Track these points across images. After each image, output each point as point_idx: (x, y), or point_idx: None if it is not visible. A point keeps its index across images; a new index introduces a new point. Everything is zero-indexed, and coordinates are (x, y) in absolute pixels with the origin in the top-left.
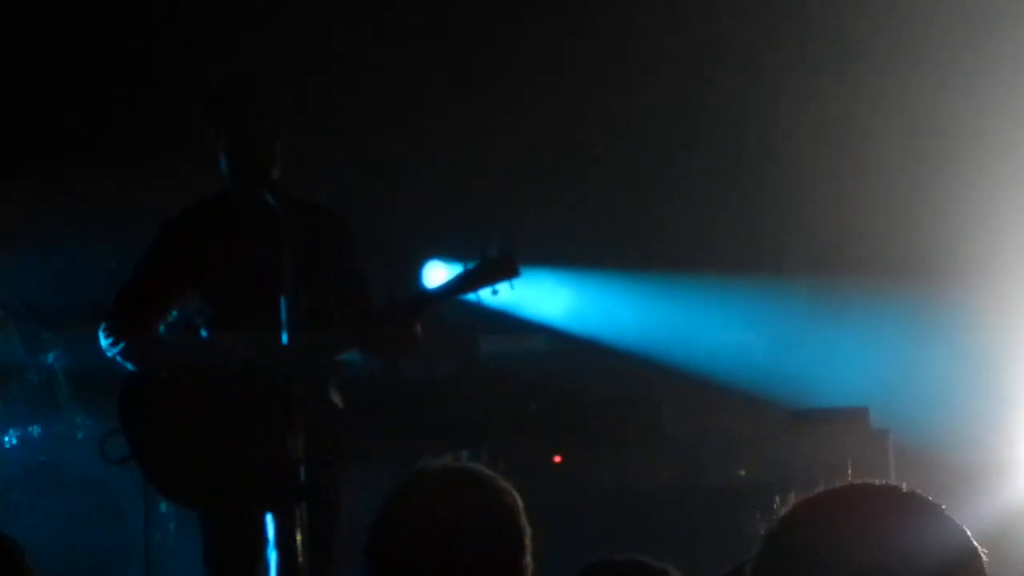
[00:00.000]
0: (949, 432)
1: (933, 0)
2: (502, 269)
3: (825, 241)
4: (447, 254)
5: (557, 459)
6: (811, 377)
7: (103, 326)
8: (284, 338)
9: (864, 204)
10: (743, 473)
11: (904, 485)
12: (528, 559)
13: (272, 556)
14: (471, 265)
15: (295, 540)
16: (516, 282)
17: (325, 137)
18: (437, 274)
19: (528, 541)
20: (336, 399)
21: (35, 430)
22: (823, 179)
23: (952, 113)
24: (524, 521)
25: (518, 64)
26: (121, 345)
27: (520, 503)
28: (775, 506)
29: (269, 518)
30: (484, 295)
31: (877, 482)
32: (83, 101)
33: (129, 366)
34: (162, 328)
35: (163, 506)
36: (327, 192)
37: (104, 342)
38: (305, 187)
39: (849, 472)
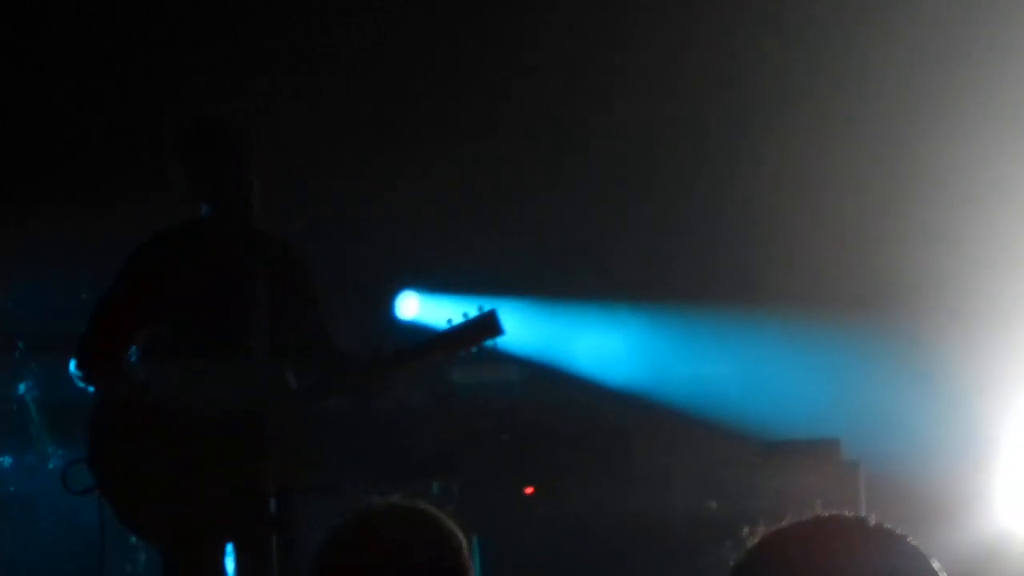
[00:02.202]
0: (920, 464)
1: (899, 29)
2: (487, 328)
3: (797, 274)
4: (420, 285)
5: (528, 490)
6: (782, 409)
7: (74, 357)
8: (247, 369)
9: (836, 237)
10: (714, 505)
11: (872, 517)
12: None
13: None
14: (456, 323)
15: (265, 573)
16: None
17: (296, 169)
18: (410, 304)
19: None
20: (305, 429)
21: (6, 460)
22: (795, 212)
23: (924, 144)
24: (468, 561)
25: (488, 98)
26: (91, 377)
27: (464, 542)
28: (744, 537)
29: (230, 550)
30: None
31: (845, 514)
32: (57, 130)
33: (98, 397)
34: (133, 355)
35: (133, 538)
36: (300, 225)
37: (75, 372)
38: (278, 220)
39: (819, 504)
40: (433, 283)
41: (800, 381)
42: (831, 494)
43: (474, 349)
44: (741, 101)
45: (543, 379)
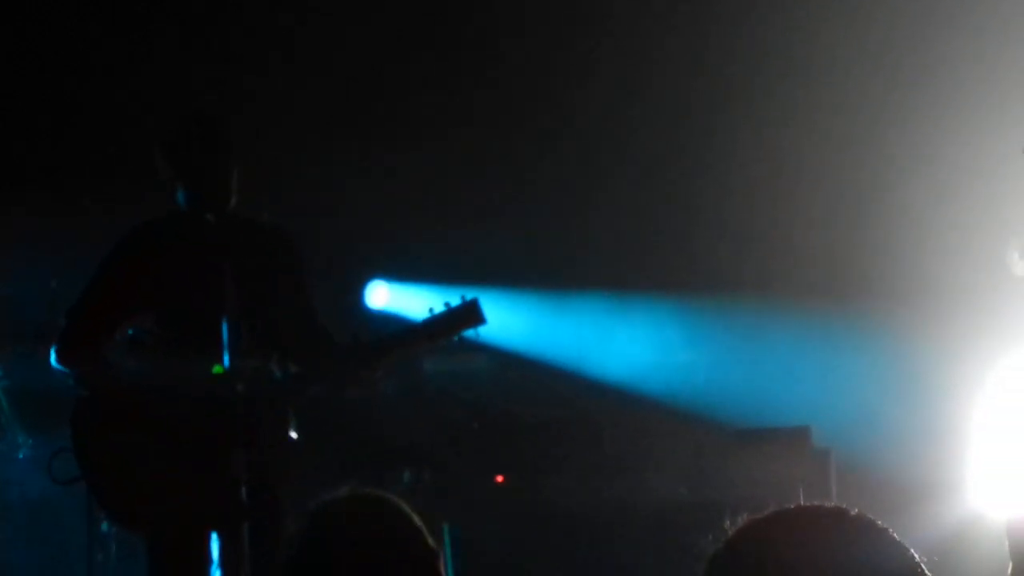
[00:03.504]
0: (891, 451)
1: (885, 26)
2: (469, 317)
3: (767, 261)
4: (389, 274)
5: (499, 479)
6: (752, 396)
7: (55, 348)
8: (226, 360)
9: (805, 224)
10: (685, 492)
11: (853, 508)
12: None
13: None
14: (437, 312)
15: (238, 560)
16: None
17: (266, 156)
18: (380, 293)
19: (439, 563)
20: (281, 420)
21: None
22: (766, 201)
23: (894, 133)
24: (433, 546)
25: (459, 86)
26: (74, 370)
27: (423, 526)
28: (726, 527)
29: (214, 538)
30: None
31: (825, 504)
32: (25, 122)
33: (81, 390)
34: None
35: (105, 526)
36: (269, 211)
37: (57, 365)
38: (247, 206)
39: (800, 493)
40: (403, 272)
41: (771, 369)
42: (801, 481)
43: (456, 338)
44: (715, 91)
45: (513, 368)
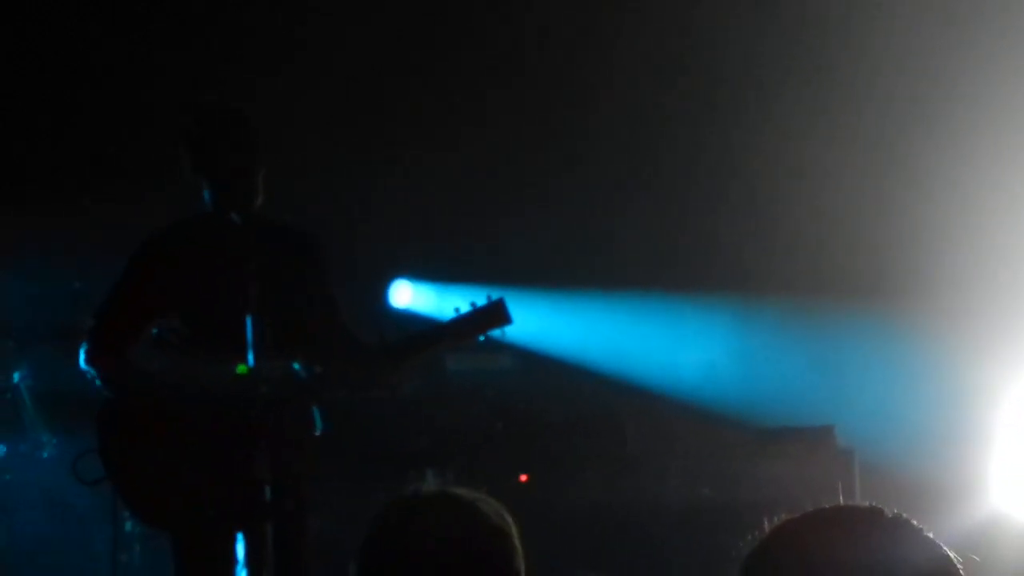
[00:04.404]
0: (915, 451)
1: (907, 22)
2: (495, 317)
3: (791, 260)
4: (413, 273)
5: (523, 478)
6: (777, 396)
7: (84, 349)
8: (251, 360)
9: (829, 223)
10: (708, 492)
11: (889, 508)
12: None
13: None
14: (464, 312)
15: (261, 559)
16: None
17: (290, 156)
18: (403, 293)
19: (522, 568)
20: (305, 420)
21: (0, 449)
22: (792, 201)
23: (919, 134)
24: (517, 550)
25: (482, 86)
26: (101, 371)
27: (514, 531)
28: (763, 528)
29: (240, 538)
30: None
31: (860, 504)
32: (49, 123)
33: (107, 390)
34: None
35: (128, 526)
36: (293, 212)
37: (84, 366)
38: (271, 207)
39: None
40: (427, 272)
41: (795, 368)
42: (826, 481)
43: (481, 338)
44: (735, 92)
45: (537, 368)
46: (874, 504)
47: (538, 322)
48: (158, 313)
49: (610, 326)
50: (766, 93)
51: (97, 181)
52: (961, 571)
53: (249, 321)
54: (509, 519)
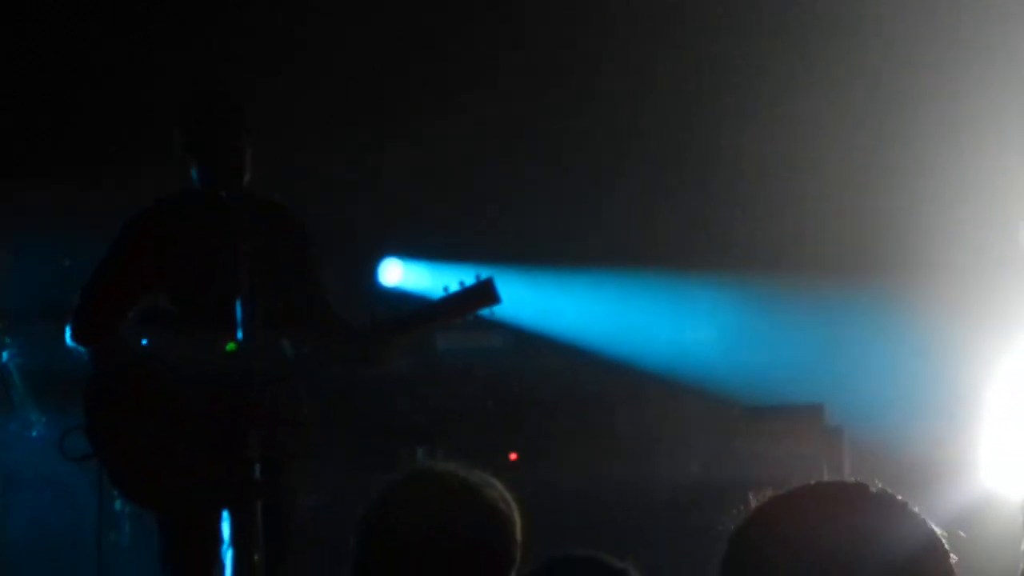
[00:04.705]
0: (904, 429)
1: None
2: (484, 296)
3: (779, 238)
4: (402, 251)
5: (512, 456)
6: (765, 374)
7: (70, 326)
8: (239, 337)
9: (817, 200)
10: (696, 469)
11: (873, 483)
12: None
13: (228, 554)
14: (452, 291)
15: (250, 537)
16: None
17: (280, 134)
18: (393, 271)
19: (517, 555)
20: (294, 399)
21: None
22: (778, 177)
23: (906, 107)
24: (517, 539)
25: (472, 64)
26: (88, 348)
27: (517, 520)
28: (748, 504)
29: (226, 516)
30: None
31: (846, 480)
32: (35, 101)
33: (95, 367)
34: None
35: (118, 505)
36: (282, 190)
37: (71, 343)
38: (261, 185)
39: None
40: (416, 250)
41: (784, 346)
42: (815, 459)
43: (470, 317)
44: (731, 68)
45: (527, 346)
46: (859, 480)
47: (528, 301)
48: (146, 289)
49: (600, 305)
50: (757, 70)
51: (86, 158)
52: (947, 547)
53: (238, 298)
54: (514, 506)
